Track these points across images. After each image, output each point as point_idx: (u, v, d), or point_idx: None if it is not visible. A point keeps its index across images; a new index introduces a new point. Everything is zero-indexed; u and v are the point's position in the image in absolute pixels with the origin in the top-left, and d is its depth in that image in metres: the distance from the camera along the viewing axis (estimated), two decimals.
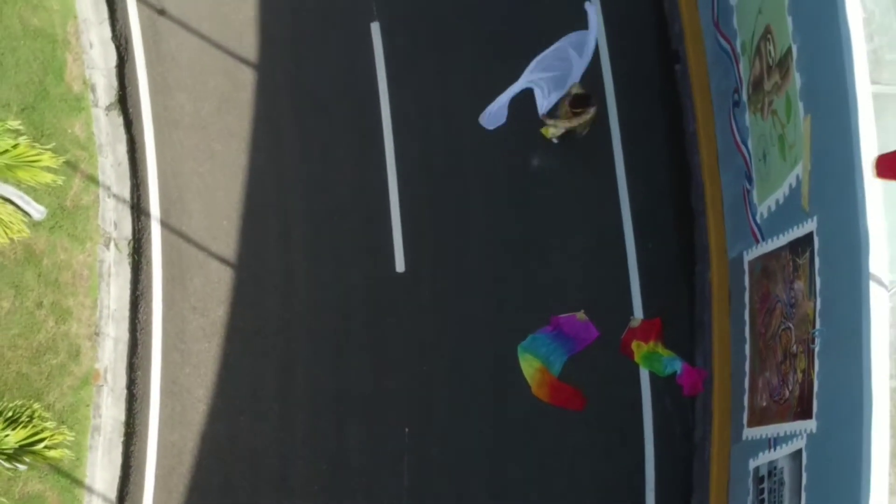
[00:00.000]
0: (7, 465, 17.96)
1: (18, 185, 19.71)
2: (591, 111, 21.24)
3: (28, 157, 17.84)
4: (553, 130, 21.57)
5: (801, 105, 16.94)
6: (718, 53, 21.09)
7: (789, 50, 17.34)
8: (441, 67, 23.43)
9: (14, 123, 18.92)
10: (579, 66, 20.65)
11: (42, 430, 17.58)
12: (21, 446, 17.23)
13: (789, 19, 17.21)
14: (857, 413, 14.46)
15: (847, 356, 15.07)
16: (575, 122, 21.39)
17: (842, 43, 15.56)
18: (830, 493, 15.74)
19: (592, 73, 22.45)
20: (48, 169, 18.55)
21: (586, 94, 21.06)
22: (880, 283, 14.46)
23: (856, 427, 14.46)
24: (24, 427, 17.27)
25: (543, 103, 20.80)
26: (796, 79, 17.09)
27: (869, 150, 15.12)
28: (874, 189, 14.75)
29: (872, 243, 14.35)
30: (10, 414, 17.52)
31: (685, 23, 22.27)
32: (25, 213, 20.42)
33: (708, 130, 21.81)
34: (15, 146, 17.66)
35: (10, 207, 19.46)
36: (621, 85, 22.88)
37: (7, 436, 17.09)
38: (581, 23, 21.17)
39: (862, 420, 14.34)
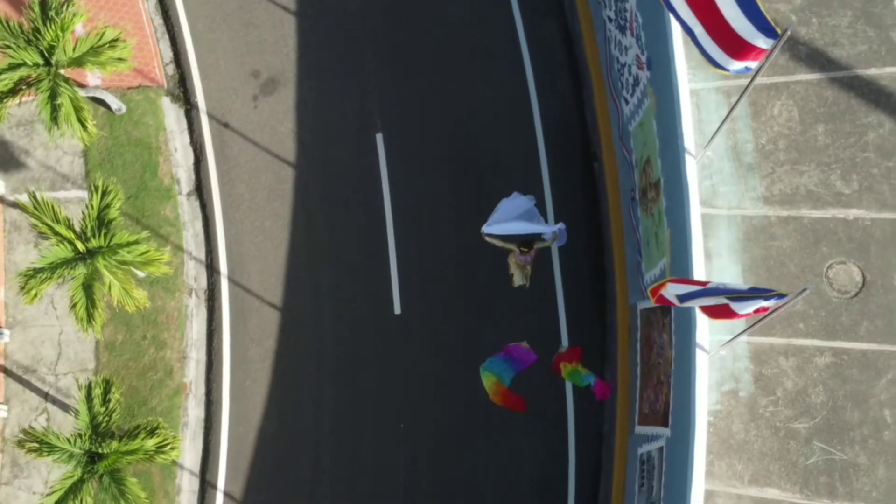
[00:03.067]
0: (147, 462, 21.55)
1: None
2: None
3: (154, 256, 21.50)
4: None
5: (665, 219, 20.29)
6: (623, 160, 23.85)
7: (660, 179, 20.59)
8: (428, 166, 25.97)
9: (146, 234, 22.31)
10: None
11: (167, 437, 21.29)
12: (157, 448, 20.98)
13: (659, 160, 20.62)
14: (688, 429, 18.32)
15: (685, 391, 18.82)
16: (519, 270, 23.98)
17: (682, 182, 19.15)
18: (676, 477, 19.25)
19: (534, 165, 25.57)
20: (165, 263, 22.08)
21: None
22: (703, 348, 18.44)
23: (687, 437, 18.34)
24: (157, 436, 21.04)
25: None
26: (663, 201, 20.43)
27: (699, 265, 18.78)
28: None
29: (698, 321, 18.18)
30: (147, 427, 21.19)
31: (601, 133, 25.05)
32: (134, 275, 23.87)
33: (616, 214, 24.57)
34: (147, 251, 21.32)
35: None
36: (555, 175, 25.65)
37: (147, 442, 20.90)
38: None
39: (689, 434, 18.23)
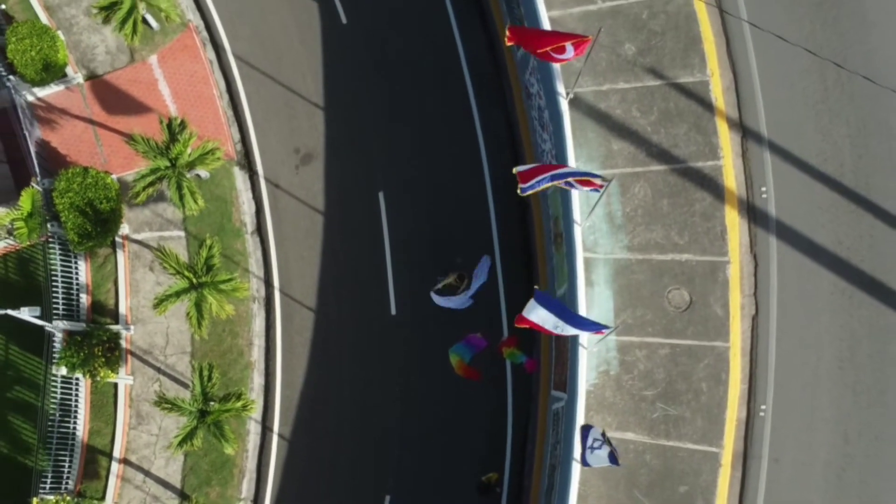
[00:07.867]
0: (235, 416, 26.02)
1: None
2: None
3: (239, 286, 26.35)
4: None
5: (566, 260, 24.17)
6: (545, 212, 27.45)
7: (562, 233, 24.56)
8: (414, 213, 28.48)
9: (236, 275, 26.81)
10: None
11: (248, 401, 26.29)
12: (242, 407, 26.06)
13: (562, 221, 24.53)
14: (575, 394, 22.53)
15: (574, 370, 22.99)
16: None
17: (572, 240, 23.17)
18: (569, 425, 22.96)
19: (484, 211, 28.66)
20: (243, 290, 26.74)
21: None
22: (583, 346, 22.59)
23: (575, 399, 22.55)
24: (242, 400, 26.06)
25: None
26: (564, 247, 24.43)
27: (582, 291, 22.62)
28: (582, 303, 22.49)
29: (582, 335, 21.65)
30: (236, 394, 26.16)
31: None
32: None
33: (541, 248, 28.29)
34: (236, 284, 26.24)
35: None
36: (499, 217, 28.92)
37: (237, 404, 25.78)
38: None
39: (575, 397, 22.50)
